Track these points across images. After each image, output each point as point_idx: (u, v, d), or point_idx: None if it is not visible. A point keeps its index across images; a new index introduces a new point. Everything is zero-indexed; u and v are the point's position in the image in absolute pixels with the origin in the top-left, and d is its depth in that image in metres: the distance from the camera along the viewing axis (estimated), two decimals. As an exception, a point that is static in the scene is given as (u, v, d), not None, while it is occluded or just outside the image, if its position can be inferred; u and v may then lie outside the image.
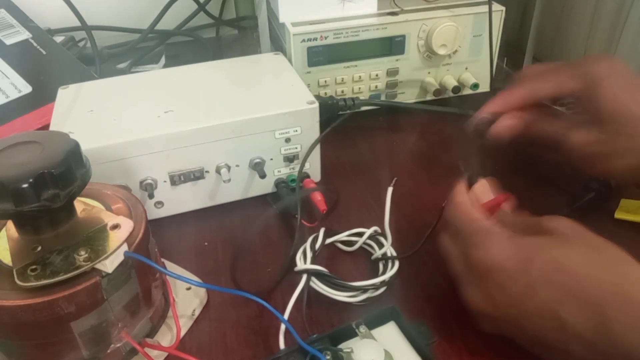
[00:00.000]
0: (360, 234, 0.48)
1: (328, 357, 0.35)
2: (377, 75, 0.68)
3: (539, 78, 0.49)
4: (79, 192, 0.34)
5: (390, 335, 0.39)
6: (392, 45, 0.66)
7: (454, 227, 0.39)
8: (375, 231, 0.48)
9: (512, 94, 0.50)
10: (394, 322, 0.40)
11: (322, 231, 0.48)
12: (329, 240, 0.48)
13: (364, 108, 0.67)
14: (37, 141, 0.34)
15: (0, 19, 0.70)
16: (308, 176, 0.55)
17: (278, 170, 0.55)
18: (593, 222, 0.36)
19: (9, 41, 0.68)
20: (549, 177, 0.57)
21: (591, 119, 0.45)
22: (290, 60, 0.63)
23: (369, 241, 0.48)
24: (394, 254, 0.46)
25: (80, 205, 0.38)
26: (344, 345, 0.37)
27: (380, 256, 0.46)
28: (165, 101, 0.53)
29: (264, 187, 0.55)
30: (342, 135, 0.67)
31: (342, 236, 0.49)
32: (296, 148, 0.54)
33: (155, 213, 0.53)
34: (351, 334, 0.38)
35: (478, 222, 0.37)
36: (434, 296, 0.44)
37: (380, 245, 0.47)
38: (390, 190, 0.44)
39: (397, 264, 0.45)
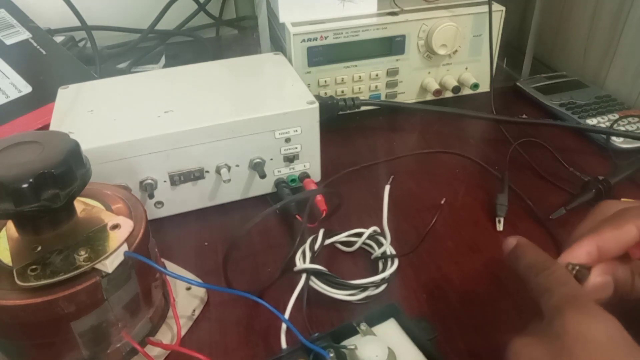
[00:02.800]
0: (359, 235, 0.48)
1: (332, 355, 0.35)
2: (377, 75, 0.68)
3: (604, 225, 0.34)
4: (79, 192, 0.34)
5: (391, 332, 0.39)
6: (392, 45, 0.66)
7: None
8: (375, 231, 0.48)
9: (605, 239, 0.33)
10: (394, 319, 0.40)
11: (321, 232, 0.48)
12: (328, 241, 0.48)
13: (364, 108, 0.67)
14: (37, 141, 0.34)
15: (0, 19, 0.70)
16: (308, 176, 0.55)
17: (278, 170, 0.55)
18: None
19: (9, 41, 0.68)
20: (549, 176, 0.57)
21: None
22: (290, 60, 0.63)
23: (368, 241, 0.48)
24: (393, 252, 0.46)
25: (80, 205, 0.38)
26: (346, 343, 0.37)
27: (379, 255, 0.46)
28: (165, 101, 0.53)
29: (264, 187, 0.55)
30: (342, 135, 0.67)
31: (342, 237, 0.49)
32: (296, 148, 0.54)
33: (155, 213, 0.53)
34: (352, 332, 0.38)
35: (581, 290, 0.30)
36: (433, 294, 0.44)
37: (380, 245, 0.47)
38: (387, 188, 0.44)
39: (396, 262, 0.45)
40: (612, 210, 0.35)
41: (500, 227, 0.51)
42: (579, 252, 0.33)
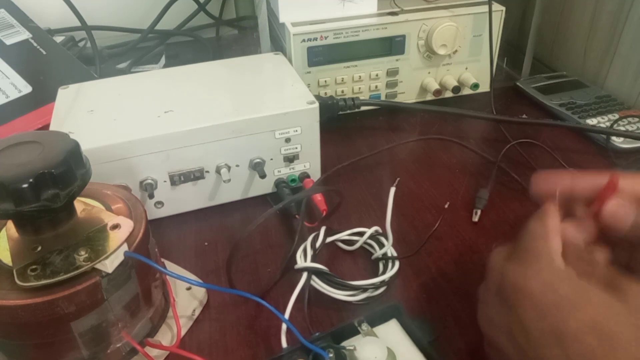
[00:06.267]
0: (360, 234, 0.48)
1: (331, 355, 0.35)
2: (377, 75, 0.68)
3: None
4: (79, 192, 0.34)
5: (392, 332, 0.39)
6: (392, 45, 0.66)
7: (519, 241, 0.33)
8: (376, 231, 0.48)
9: (575, 179, 0.35)
10: (395, 319, 0.40)
11: (323, 230, 0.48)
12: (329, 239, 0.48)
13: (364, 108, 0.67)
14: (37, 141, 0.34)
15: (0, 19, 0.70)
16: (308, 176, 0.55)
17: (278, 170, 0.55)
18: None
19: (9, 41, 0.68)
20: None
21: None
22: (290, 60, 0.63)
23: (369, 241, 0.48)
24: (395, 254, 0.46)
25: (80, 205, 0.38)
26: (347, 343, 0.37)
27: (380, 256, 0.46)
28: (165, 101, 0.53)
29: (264, 187, 0.55)
30: (342, 135, 0.67)
31: (343, 235, 0.49)
32: (296, 148, 0.54)
33: (155, 213, 0.53)
34: (353, 331, 0.38)
35: (546, 244, 0.31)
36: (433, 297, 0.44)
37: (381, 245, 0.47)
38: (392, 190, 0.44)
39: (397, 264, 0.45)
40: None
41: (475, 218, 0.52)
42: (553, 181, 0.35)
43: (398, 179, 0.53)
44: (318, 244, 0.47)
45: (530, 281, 0.30)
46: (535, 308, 0.29)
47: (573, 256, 0.31)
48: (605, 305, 0.28)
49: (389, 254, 0.46)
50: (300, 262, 0.44)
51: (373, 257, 0.47)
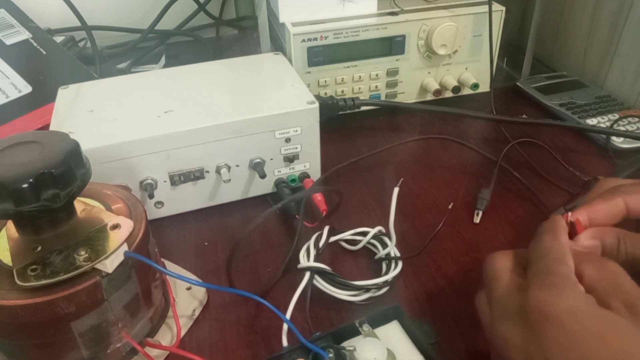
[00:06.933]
0: (364, 233, 0.48)
1: (331, 355, 0.35)
2: (377, 75, 0.68)
3: (631, 192, 0.37)
4: (79, 192, 0.34)
5: (393, 334, 0.39)
6: (392, 45, 0.66)
7: (537, 260, 0.32)
8: (380, 231, 0.48)
9: (596, 210, 0.37)
10: (397, 321, 0.40)
11: (326, 229, 0.48)
12: (333, 239, 0.48)
13: (364, 108, 0.67)
14: (37, 141, 0.34)
15: (0, 19, 0.70)
16: (308, 176, 0.55)
17: (278, 170, 0.55)
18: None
19: (9, 41, 0.68)
20: (549, 176, 0.57)
21: None
22: (290, 60, 0.63)
23: (372, 241, 0.48)
24: (398, 254, 0.46)
25: (80, 205, 0.38)
26: (347, 344, 0.37)
27: (383, 256, 0.46)
28: (165, 101, 0.53)
29: (264, 187, 0.55)
30: (342, 135, 0.67)
31: (346, 235, 0.49)
32: (296, 148, 0.54)
33: (155, 213, 0.53)
34: (354, 332, 0.38)
35: (569, 268, 0.31)
36: (436, 298, 0.44)
37: (384, 245, 0.47)
38: (396, 190, 0.44)
39: (400, 264, 0.45)
40: (609, 187, 0.38)
41: (477, 219, 0.51)
42: (600, 213, 0.36)
43: (402, 179, 0.53)
44: (321, 243, 0.47)
45: (556, 309, 0.29)
46: (559, 339, 0.28)
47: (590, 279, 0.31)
48: (631, 335, 0.27)
49: (392, 254, 0.46)
50: (303, 262, 0.44)
51: (376, 257, 0.47)
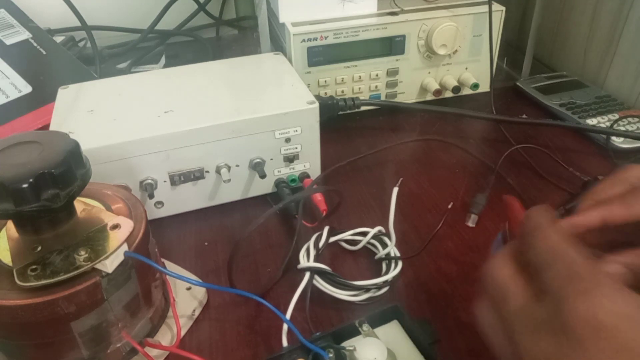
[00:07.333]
0: (363, 233, 0.48)
1: (331, 355, 0.35)
2: (377, 75, 0.68)
3: (616, 201, 0.34)
4: (79, 192, 0.34)
5: (393, 334, 0.39)
6: (392, 45, 0.66)
7: (537, 265, 0.29)
8: (380, 231, 0.48)
9: (583, 218, 0.34)
10: (397, 320, 0.40)
11: (326, 229, 0.48)
12: (333, 239, 0.48)
13: (364, 108, 0.67)
14: (37, 141, 0.34)
15: (0, 19, 0.70)
16: (308, 176, 0.55)
17: (278, 170, 0.55)
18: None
19: (9, 41, 0.68)
20: (549, 176, 0.57)
21: None
22: (290, 60, 0.63)
23: (372, 241, 0.48)
24: (398, 254, 0.46)
25: (80, 205, 0.38)
26: (347, 344, 0.37)
27: (383, 256, 0.46)
28: (165, 101, 0.53)
29: (264, 187, 0.55)
30: (342, 135, 0.67)
31: (346, 235, 0.49)
32: (296, 148, 0.54)
33: (155, 213, 0.53)
34: (354, 332, 0.38)
35: (597, 265, 0.27)
36: (435, 297, 0.44)
37: (384, 245, 0.47)
38: (395, 190, 0.44)
39: (400, 264, 0.45)
40: (633, 179, 0.34)
41: (471, 223, 0.51)
42: (583, 221, 0.32)
43: (401, 179, 0.53)
44: (321, 243, 0.47)
45: (609, 317, 0.25)
46: (612, 348, 0.25)
47: None
48: None
49: (392, 254, 0.46)
50: (303, 262, 0.44)
51: (376, 257, 0.47)
